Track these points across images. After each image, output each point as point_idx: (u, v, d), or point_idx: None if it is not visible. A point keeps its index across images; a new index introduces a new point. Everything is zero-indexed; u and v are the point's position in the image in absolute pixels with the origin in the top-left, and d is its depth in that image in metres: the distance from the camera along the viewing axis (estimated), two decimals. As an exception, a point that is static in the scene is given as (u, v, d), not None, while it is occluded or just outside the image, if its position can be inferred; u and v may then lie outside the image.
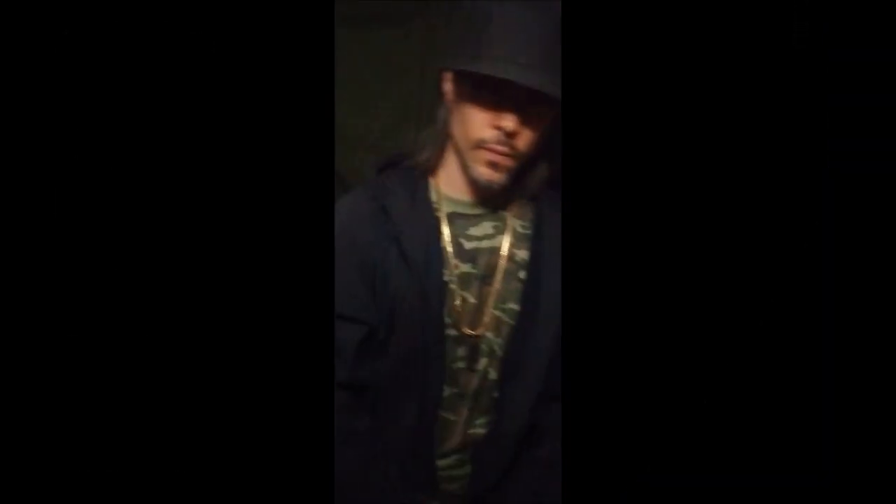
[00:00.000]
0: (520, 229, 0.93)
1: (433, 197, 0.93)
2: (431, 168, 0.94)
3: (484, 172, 0.87)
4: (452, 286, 0.89)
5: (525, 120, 0.85)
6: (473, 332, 0.89)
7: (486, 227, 0.92)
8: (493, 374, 0.91)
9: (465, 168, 0.90)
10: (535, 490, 0.91)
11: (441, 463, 0.92)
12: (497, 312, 0.90)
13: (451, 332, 0.89)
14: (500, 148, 0.85)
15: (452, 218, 0.92)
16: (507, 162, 0.87)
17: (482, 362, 0.91)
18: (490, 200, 0.93)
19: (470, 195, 0.93)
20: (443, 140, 0.92)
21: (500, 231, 0.92)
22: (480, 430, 0.92)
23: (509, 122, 0.83)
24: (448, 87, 0.88)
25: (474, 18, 0.84)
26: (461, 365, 0.91)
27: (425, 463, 0.91)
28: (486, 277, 0.91)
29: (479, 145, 0.86)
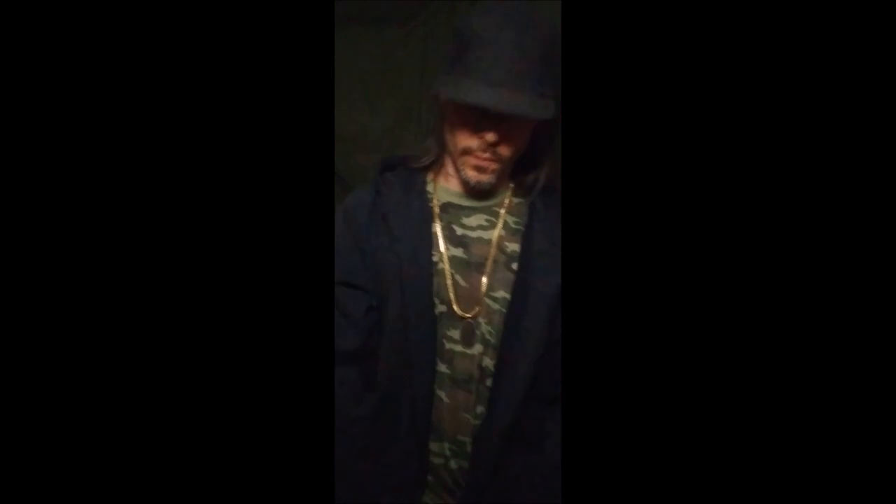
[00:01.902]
0: (512, 224, 0.97)
1: (429, 188, 1.00)
2: (430, 168, 1.01)
3: (472, 175, 0.95)
4: (442, 267, 0.94)
5: (507, 131, 0.91)
6: (467, 315, 0.93)
7: (479, 218, 0.98)
8: (487, 362, 0.93)
9: (457, 169, 0.96)
10: (529, 493, 0.92)
11: (433, 447, 0.94)
12: (488, 300, 0.94)
13: (443, 308, 0.94)
14: (484, 156, 0.93)
15: (446, 207, 0.98)
16: (493, 166, 0.94)
17: (476, 347, 0.94)
18: (484, 197, 0.99)
19: (464, 191, 0.99)
20: (440, 146, 0.99)
21: (492, 224, 0.98)
22: (475, 421, 0.93)
23: (490, 135, 0.90)
24: (438, 99, 0.94)
25: (459, 37, 0.90)
26: (456, 347, 0.94)
27: (419, 445, 0.93)
28: (478, 265, 0.95)
29: (466, 152, 0.94)
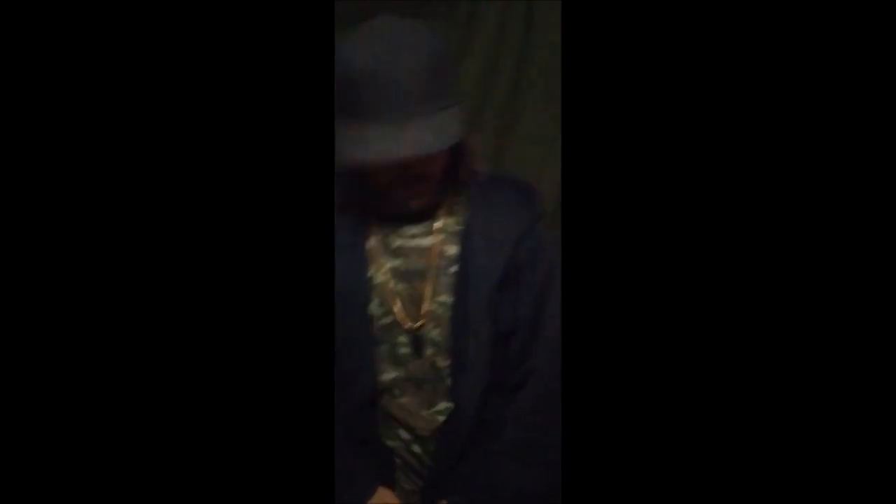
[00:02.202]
0: (452, 226, 0.96)
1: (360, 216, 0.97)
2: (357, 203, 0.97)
3: (407, 204, 0.92)
4: (381, 280, 0.94)
5: (422, 163, 0.86)
6: (413, 325, 0.94)
7: (415, 227, 0.96)
8: (441, 362, 0.94)
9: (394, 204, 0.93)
10: (493, 481, 0.94)
11: (392, 434, 0.96)
12: (433, 306, 0.94)
13: (386, 320, 0.94)
14: (410, 191, 0.89)
15: (383, 218, 0.95)
16: (423, 187, 0.90)
17: (428, 350, 0.95)
18: (422, 213, 0.96)
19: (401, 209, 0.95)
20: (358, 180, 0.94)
21: (428, 231, 0.96)
22: (440, 417, 0.95)
23: (407, 177, 0.86)
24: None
25: (347, 83, 0.83)
26: (406, 350, 0.95)
27: (374, 445, 0.96)
28: (420, 273, 0.94)
29: (392, 186, 0.89)
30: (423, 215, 0.96)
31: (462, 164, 0.94)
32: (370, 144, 0.82)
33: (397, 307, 0.94)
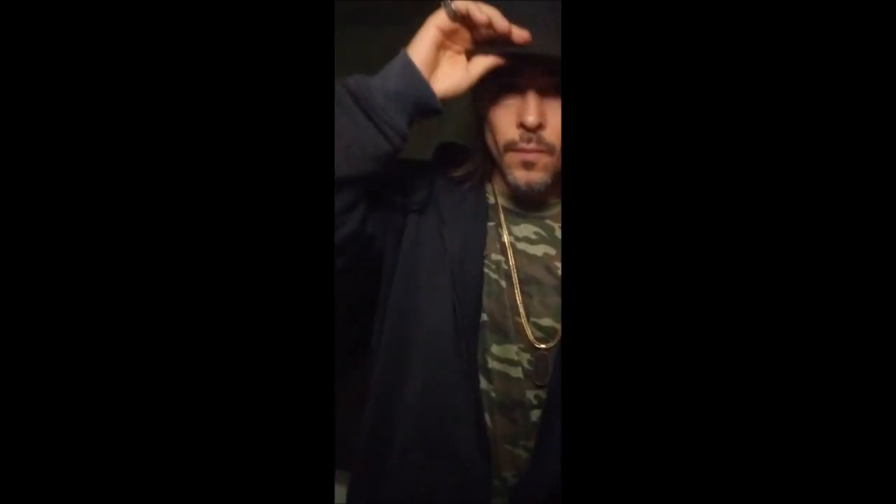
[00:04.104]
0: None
1: (485, 187, 0.90)
2: (481, 178, 0.91)
3: (520, 176, 0.83)
4: (489, 267, 0.85)
5: (548, 111, 0.81)
6: (544, 346, 0.82)
7: (527, 228, 0.88)
8: (530, 391, 0.83)
9: (503, 175, 0.86)
10: None
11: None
12: (529, 327, 0.85)
13: (485, 318, 0.84)
14: (529, 146, 0.81)
15: (497, 207, 0.88)
16: (543, 159, 0.82)
17: (516, 370, 0.84)
18: (539, 204, 0.88)
19: (515, 200, 0.88)
20: (483, 154, 0.88)
21: (541, 239, 0.87)
22: (522, 453, 0.84)
23: (531, 115, 0.79)
24: (472, 97, 0.86)
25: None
26: (496, 365, 0.84)
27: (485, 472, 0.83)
28: (522, 282, 0.85)
29: (509, 148, 0.83)
30: (534, 214, 0.87)
31: None
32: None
33: (521, 316, 0.84)
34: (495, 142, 0.84)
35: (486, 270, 0.85)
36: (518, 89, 0.81)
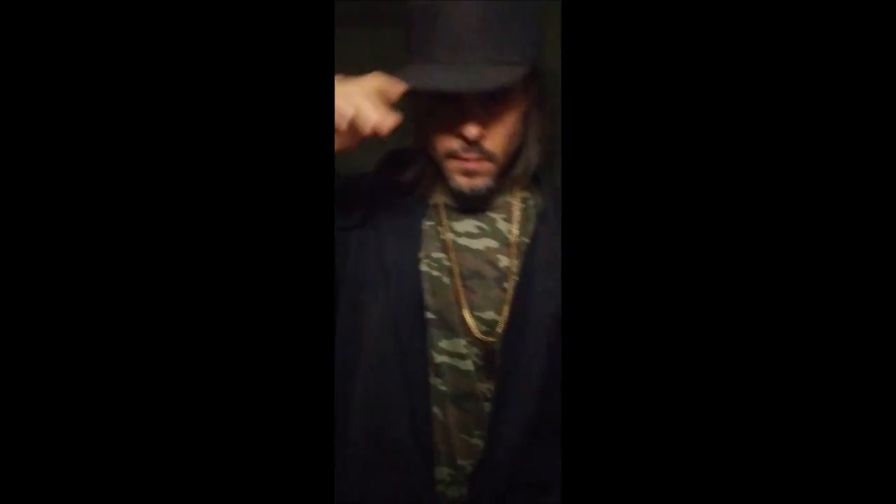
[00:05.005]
0: (510, 234, 0.88)
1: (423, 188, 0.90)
2: (423, 184, 0.91)
3: (463, 182, 0.84)
4: (431, 266, 0.86)
5: (489, 120, 0.80)
6: (489, 339, 0.84)
7: (468, 224, 0.88)
8: (481, 383, 0.86)
9: (447, 182, 0.86)
10: None
11: (436, 473, 0.87)
12: (472, 320, 0.86)
13: (431, 315, 0.86)
14: (470, 156, 0.81)
15: (441, 208, 0.88)
16: (484, 167, 0.82)
17: (465, 363, 0.86)
18: (481, 205, 0.88)
19: (457, 200, 0.89)
20: (425, 154, 0.88)
21: (483, 233, 0.88)
22: (478, 442, 0.86)
23: (471, 129, 0.79)
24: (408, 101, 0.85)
25: (418, 20, 0.79)
26: (445, 359, 0.86)
27: (426, 467, 0.86)
28: (464, 277, 0.86)
29: (450, 156, 0.83)
30: (477, 204, 0.87)
31: (529, 146, 0.86)
32: (424, 75, 0.76)
33: (465, 311, 0.85)
34: (436, 149, 0.84)
35: (427, 269, 0.86)
36: (455, 99, 0.80)
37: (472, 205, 0.89)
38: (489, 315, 0.86)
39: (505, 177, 0.88)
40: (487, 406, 0.86)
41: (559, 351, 0.83)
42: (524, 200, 0.91)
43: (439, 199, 0.91)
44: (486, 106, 0.80)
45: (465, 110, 0.79)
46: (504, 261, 0.87)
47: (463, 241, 0.88)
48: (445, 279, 0.86)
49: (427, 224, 0.88)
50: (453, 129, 0.80)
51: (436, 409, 0.86)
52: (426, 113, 0.83)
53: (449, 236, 0.88)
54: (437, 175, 0.91)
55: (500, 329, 0.85)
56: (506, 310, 0.85)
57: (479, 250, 0.87)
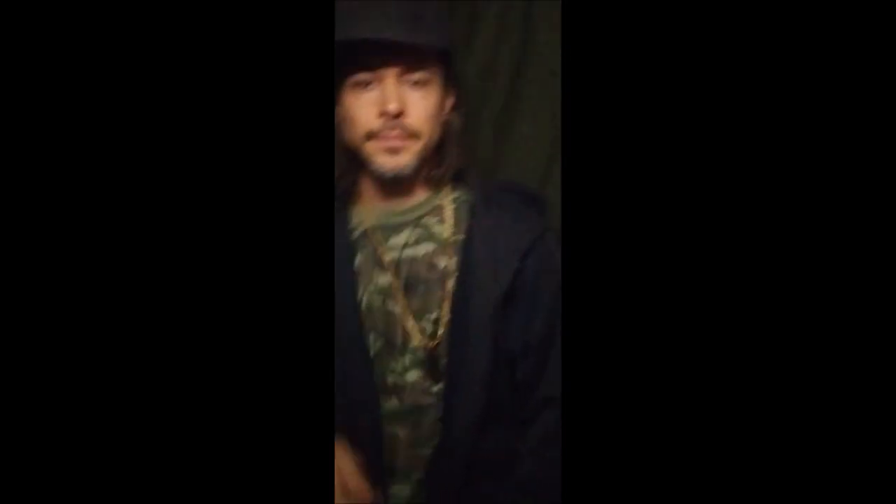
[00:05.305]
0: (444, 235, 0.89)
1: (353, 218, 0.91)
2: (349, 192, 0.92)
3: (385, 162, 0.83)
4: (371, 301, 0.87)
5: (409, 99, 0.82)
6: (430, 344, 0.86)
7: (405, 235, 0.89)
8: (430, 387, 0.87)
9: (370, 173, 0.86)
10: None
11: (393, 490, 0.88)
12: (422, 324, 0.87)
13: (379, 344, 0.87)
14: (392, 133, 0.82)
15: (373, 231, 0.89)
16: (407, 144, 0.83)
17: (413, 374, 0.88)
18: (407, 193, 0.89)
19: (388, 200, 0.89)
20: (348, 158, 0.88)
21: (420, 239, 0.89)
22: (427, 451, 0.88)
23: (392, 102, 0.80)
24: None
25: None
26: (397, 379, 0.88)
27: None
28: (410, 287, 0.88)
29: (371, 137, 0.83)
30: (409, 219, 0.89)
31: (449, 145, 0.88)
32: (363, 22, 0.78)
33: (392, 327, 0.86)
34: (355, 136, 0.84)
35: (369, 302, 0.88)
36: (375, 81, 0.81)
37: (398, 197, 0.89)
38: (434, 315, 0.88)
39: (428, 172, 0.88)
40: (433, 415, 0.88)
41: (504, 340, 0.86)
42: (454, 200, 0.92)
43: (366, 219, 0.91)
44: (406, 88, 0.81)
45: (385, 90, 0.81)
46: (443, 261, 0.89)
47: (407, 252, 0.89)
48: (390, 304, 0.88)
49: (360, 259, 0.89)
50: (374, 110, 0.82)
51: (389, 428, 0.88)
52: (346, 101, 0.83)
53: (390, 255, 0.89)
54: (358, 196, 0.91)
55: (442, 327, 0.87)
56: (446, 306, 0.87)
57: (420, 256, 0.89)
